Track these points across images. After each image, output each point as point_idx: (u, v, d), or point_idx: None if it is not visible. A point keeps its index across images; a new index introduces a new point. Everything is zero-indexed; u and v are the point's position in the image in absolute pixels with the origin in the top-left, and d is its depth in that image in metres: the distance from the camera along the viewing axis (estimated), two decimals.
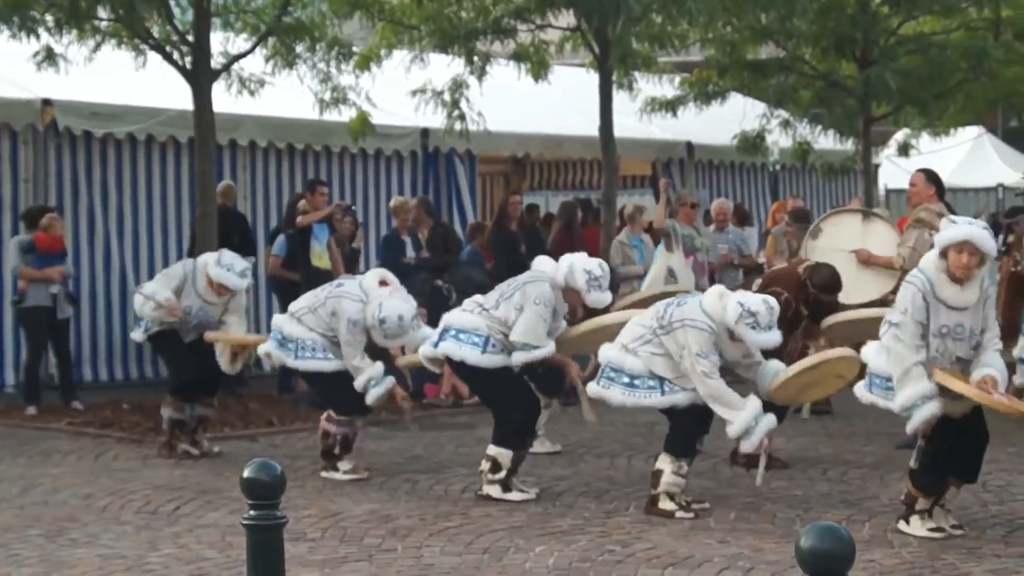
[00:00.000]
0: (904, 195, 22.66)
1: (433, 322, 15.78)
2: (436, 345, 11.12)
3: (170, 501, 10.66)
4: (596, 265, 10.96)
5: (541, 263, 11.22)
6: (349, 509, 10.36)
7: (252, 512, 6.19)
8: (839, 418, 13.86)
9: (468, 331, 10.92)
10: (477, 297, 11.26)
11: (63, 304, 15.13)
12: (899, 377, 9.15)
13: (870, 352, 9.53)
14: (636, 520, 9.97)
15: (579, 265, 10.89)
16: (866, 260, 13.29)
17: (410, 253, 16.87)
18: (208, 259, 12.54)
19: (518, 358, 10.83)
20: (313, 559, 8.88)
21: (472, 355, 10.88)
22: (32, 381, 15.06)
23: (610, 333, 10.81)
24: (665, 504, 10.11)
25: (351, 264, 16.49)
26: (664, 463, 10.19)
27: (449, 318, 11.22)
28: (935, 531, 9.33)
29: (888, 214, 17.33)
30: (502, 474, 10.75)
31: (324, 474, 11.59)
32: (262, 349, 12.18)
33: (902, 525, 9.43)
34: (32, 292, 14.91)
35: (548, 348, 10.84)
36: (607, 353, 10.43)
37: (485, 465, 10.82)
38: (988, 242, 9.14)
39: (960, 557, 8.86)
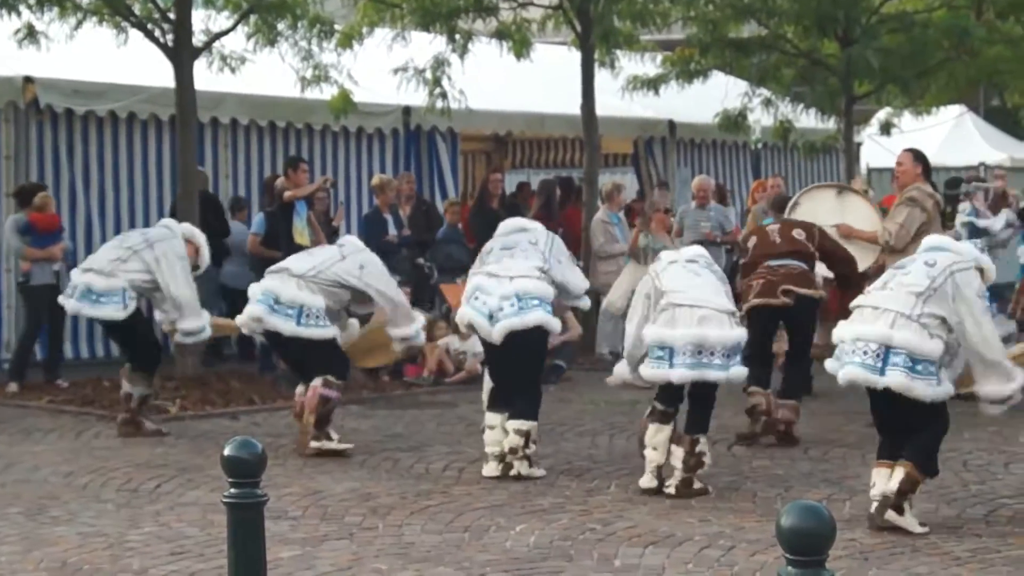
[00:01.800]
0: (887, 174, 22.68)
1: (418, 300, 15.92)
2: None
3: (151, 479, 10.65)
4: None
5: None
6: (330, 487, 10.35)
7: (233, 490, 6.19)
8: (820, 397, 13.85)
9: (539, 298, 10.73)
10: (525, 262, 10.90)
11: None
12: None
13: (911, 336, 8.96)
14: (617, 499, 9.99)
15: None
16: (848, 235, 13.22)
17: (392, 231, 16.87)
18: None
19: (585, 303, 11.53)
20: (294, 537, 8.88)
21: (545, 319, 10.78)
22: (23, 358, 15.07)
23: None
24: (699, 484, 10.11)
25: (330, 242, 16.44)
26: (704, 446, 10.18)
27: (525, 285, 10.70)
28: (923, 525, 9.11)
29: (868, 190, 17.32)
30: (534, 447, 10.73)
31: (314, 444, 11.48)
32: (241, 320, 12.09)
33: (893, 516, 8.96)
34: (36, 271, 14.91)
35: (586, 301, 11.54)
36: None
37: (518, 440, 10.60)
38: None
39: (941, 536, 8.88)
